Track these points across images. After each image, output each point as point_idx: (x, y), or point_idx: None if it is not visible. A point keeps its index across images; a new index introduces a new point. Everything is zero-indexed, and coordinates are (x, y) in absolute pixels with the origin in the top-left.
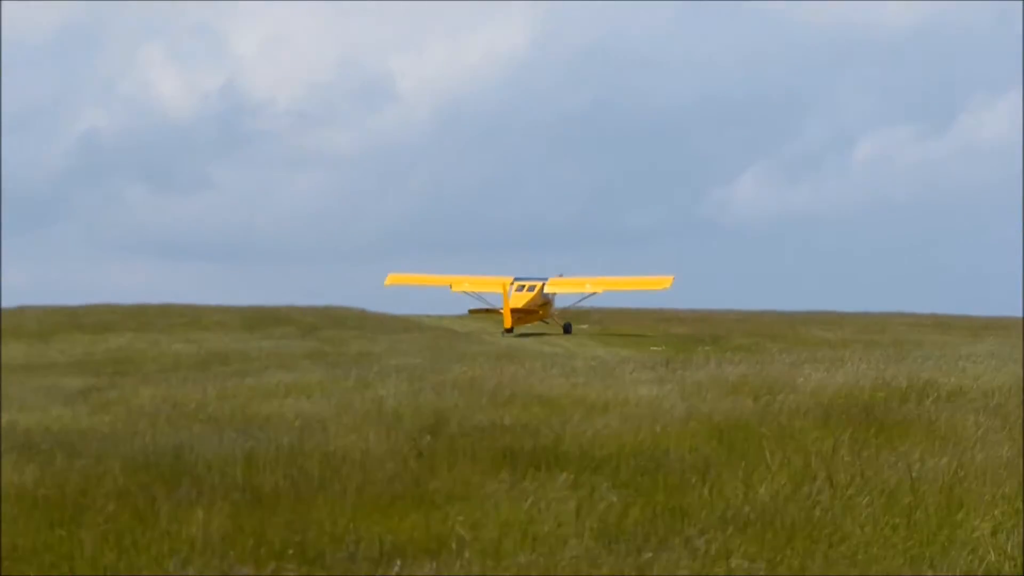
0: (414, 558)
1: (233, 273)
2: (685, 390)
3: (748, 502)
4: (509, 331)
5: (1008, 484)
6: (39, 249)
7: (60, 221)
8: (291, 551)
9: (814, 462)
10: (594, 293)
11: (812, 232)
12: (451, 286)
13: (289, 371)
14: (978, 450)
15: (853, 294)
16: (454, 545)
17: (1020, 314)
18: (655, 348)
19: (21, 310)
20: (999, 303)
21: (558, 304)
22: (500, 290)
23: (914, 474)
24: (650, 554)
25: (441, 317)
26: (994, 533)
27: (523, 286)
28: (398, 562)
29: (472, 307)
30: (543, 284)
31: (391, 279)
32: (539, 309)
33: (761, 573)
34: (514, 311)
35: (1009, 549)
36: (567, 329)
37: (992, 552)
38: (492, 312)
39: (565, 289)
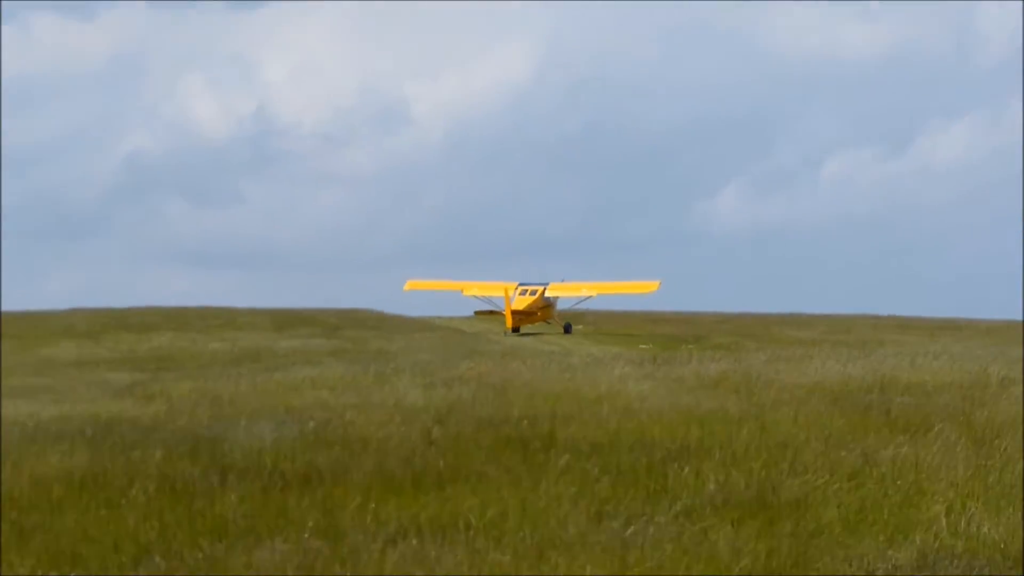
0: (426, 535)
1: (263, 279)
2: (670, 384)
3: (726, 485)
4: (516, 330)
5: (959, 470)
6: (89, 257)
7: (107, 232)
8: (315, 529)
9: (786, 450)
10: (589, 296)
11: (785, 242)
12: (463, 291)
13: (314, 367)
14: (932, 439)
15: (821, 297)
16: (461, 523)
17: (972, 316)
18: (643, 346)
19: (72, 312)
20: (953, 306)
21: (559, 307)
22: (506, 294)
23: (876, 461)
24: (637, 530)
25: (450, 319)
26: (948, 514)
27: (526, 290)
28: (413, 539)
29: (478, 309)
30: (544, 289)
31: (410, 285)
32: (539, 311)
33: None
34: (515, 313)
35: (961, 528)
36: (567, 329)
37: (946, 531)
38: (496, 314)
39: (564, 293)
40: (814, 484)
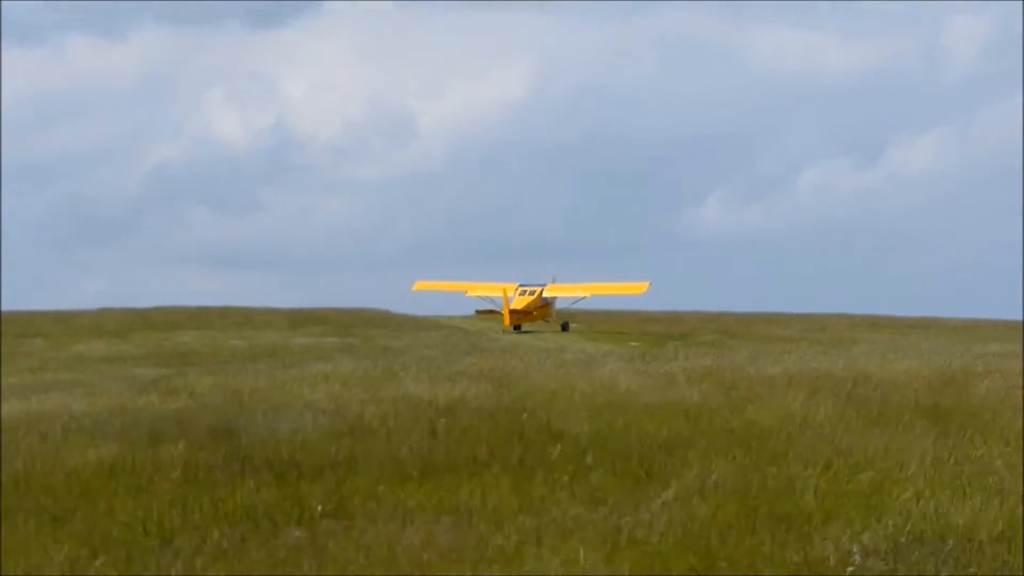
0: (431, 519)
1: (279, 281)
2: (658, 379)
3: (710, 474)
4: (517, 328)
5: (928, 459)
6: (118, 261)
7: (135, 237)
8: (326, 514)
9: (766, 440)
10: (584, 297)
11: (765, 246)
12: (467, 291)
13: (326, 363)
14: (902, 430)
15: (799, 298)
16: (464, 509)
17: (940, 315)
18: (633, 343)
19: (102, 312)
20: (922, 306)
21: (557, 307)
22: (504, 295)
23: (849, 451)
24: (628, 515)
25: (451, 318)
26: (917, 501)
27: (525, 291)
28: (419, 523)
29: (479, 308)
30: (542, 289)
31: (418, 285)
32: (537, 311)
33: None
34: (514, 312)
35: (929, 513)
36: (564, 327)
37: (915, 516)
38: (496, 313)
39: (560, 293)
40: (791, 472)
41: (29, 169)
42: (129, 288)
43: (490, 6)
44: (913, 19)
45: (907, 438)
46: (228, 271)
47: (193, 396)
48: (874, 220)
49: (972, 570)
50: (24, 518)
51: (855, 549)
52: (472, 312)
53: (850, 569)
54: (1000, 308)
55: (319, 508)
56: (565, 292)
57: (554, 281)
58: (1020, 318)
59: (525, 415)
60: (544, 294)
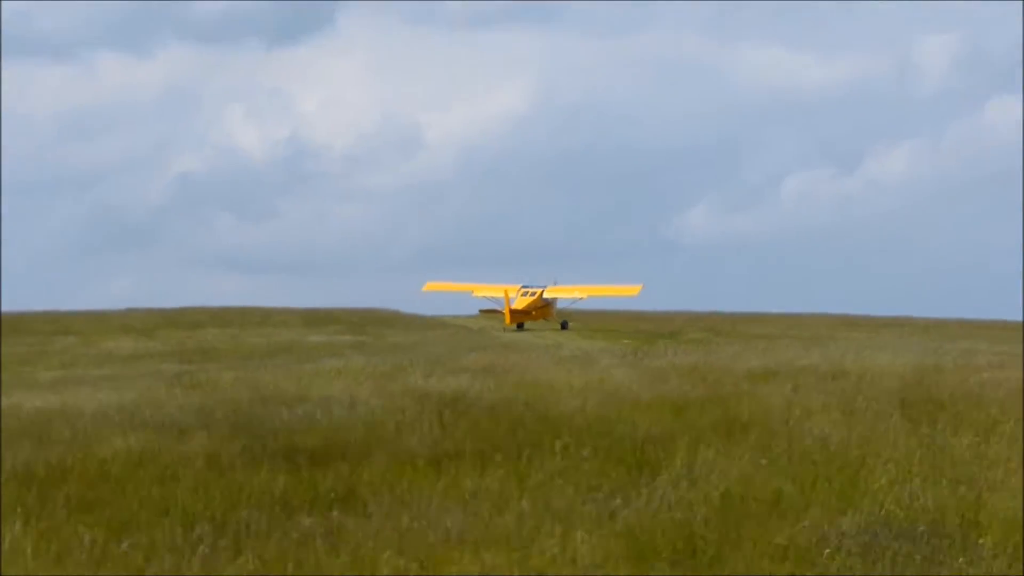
0: (437, 505)
1: (295, 283)
2: (649, 374)
3: (697, 462)
4: (520, 327)
5: (900, 448)
6: (144, 264)
7: (161, 242)
8: (339, 500)
9: (749, 431)
10: (581, 298)
11: (750, 250)
12: (473, 292)
13: (339, 359)
14: (876, 420)
15: (781, 298)
16: (468, 494)
17: (914, 314)
18: (626, 341)
19: (130, 312)
20: (896, 304)
21: (558, 307)
22: (505, 295)
23: (826, 440)
24: (620, 500)
25: (456, 317)
26: (890, 487)
27: (526, 292)
28: (424, 507)
29: (482, 307)
30: (542, 291)
31: (428, 286)
32: (535, 310)
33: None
34: (514, 311)
35: (902, 499)
36: (564, 326)
37: (889, 502)
38: (498, 312)
39: (559, 294)
40: (772, 460)
41: (63, 179)
42: (155, 289)
43: (493, 26)
44: (887, 38)
45: (881, 428)
46: (247, 274)
47: (215, 390)
48: (852, 226)
49: (940, 555)
50: (57, 504)
51: (832, 533)
52: (476, 312)
53: (827, 551)
54: (968, 308)
55: (332, 494)
56: (564, 293)
57: (555, 283)
58: (987, 317)
59: (524, 407)
60: (545, 295)
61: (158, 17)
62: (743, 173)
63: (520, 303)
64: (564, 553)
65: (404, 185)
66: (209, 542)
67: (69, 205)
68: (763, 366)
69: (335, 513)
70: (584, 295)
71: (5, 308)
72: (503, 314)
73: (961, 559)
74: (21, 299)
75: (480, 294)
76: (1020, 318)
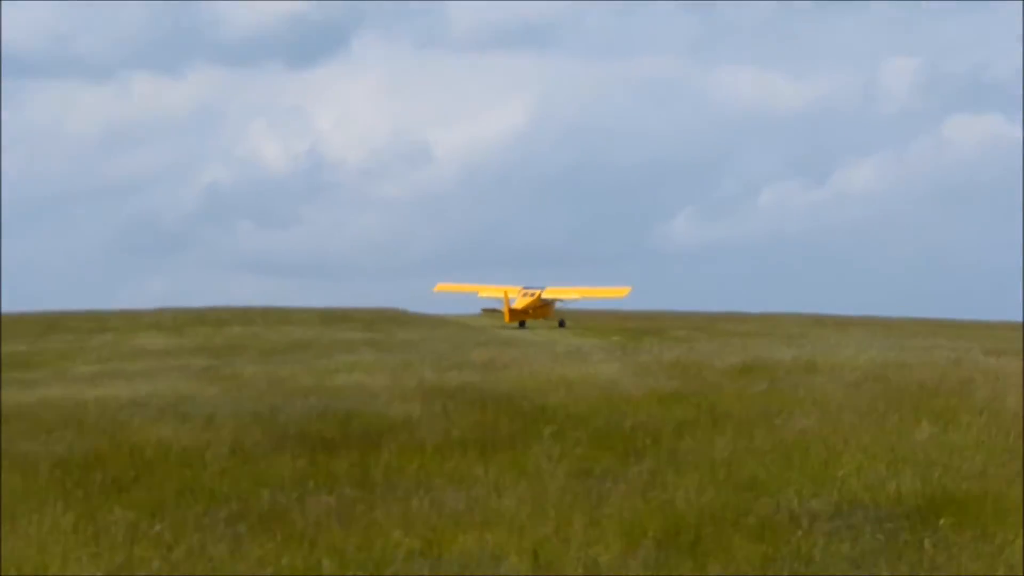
0: (442, 488)
1: (313, 284)
2: (636, 368)
3: (680, 449)
4: (522, 325)
5: (866, 436)
6: (175, 267)
7: (191, 247)
8: (353, 482)
9: (727, 420)
10: (574, 299)
11: (728, 256)
12: (479, 292)
13: (352, 354)
14: (844, 411)
15: (756, 299)
16: (469, 478)
17: (880, 313)
18: (615, 338)
19: (161, 311)
20: (862, 305)
21: (557, 307)
22: (505, 296)
23: (799, 428)
24: (610, 484)
25: (460, 316)
26: (858, 471)
27: (526, 293)
28: (430, 490)
29: (484, 307)
30: (541, 292)
31: (439, 287)
32: (535, 310)
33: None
34: (513, 311)
35: (868, 483)
36: (561, 324)
37: (856, 485)
38: (499, 312)
39: (556, 295)
40: (747, 447)
41: (102, 190)
42: (185, 290)
43: (495, 51)
44: (854, 61)
45: (849, 418)
46: (269, 276)
47: (239, 383)
48: (822, 233)
49: (904, 535)
50: (94, 487)
51: (804, 513)
52: (479, 311)
53: (799, 532)
54: (929, 307)
55: (346, 478)
56: (560, 294)
57: (552, 285)
58: (946, 316)
59: (521, 398)
60: (543, 296)
61: (189, 41)
62: (722, 185)
63: (520, 303)
64: (559, 533)
65: (413, 196)
66: (233, 522)
67: (108, 213)
68: (741, 361)
69: (348, 495)
70: (577, 296)
71: (48, 308)
72: (503, 313)
73: (924, 537)
74: (63, 299)
75: (485, 294)
76: (978, 316)
